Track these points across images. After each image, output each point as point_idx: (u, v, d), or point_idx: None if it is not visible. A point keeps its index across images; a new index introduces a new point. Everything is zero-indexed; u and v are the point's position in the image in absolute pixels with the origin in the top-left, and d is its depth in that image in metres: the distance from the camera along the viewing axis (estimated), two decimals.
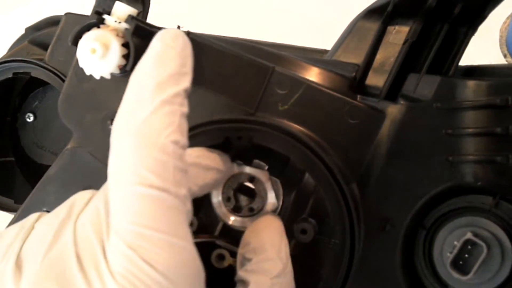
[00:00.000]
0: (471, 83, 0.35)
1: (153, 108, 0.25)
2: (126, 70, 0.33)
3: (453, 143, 0.35)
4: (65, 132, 0.43)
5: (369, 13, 0.40)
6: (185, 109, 0.27)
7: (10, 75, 0.53)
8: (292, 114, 0.36)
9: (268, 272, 0.31)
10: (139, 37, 0.33)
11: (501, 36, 0.78)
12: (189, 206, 0.26)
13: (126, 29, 0.33)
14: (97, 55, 0.32)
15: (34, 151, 0.57)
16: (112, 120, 0.39)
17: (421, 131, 0.36)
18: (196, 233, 0.37)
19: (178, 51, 0.28)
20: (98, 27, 0.33)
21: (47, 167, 0.42)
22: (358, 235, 0.34)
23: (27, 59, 0.51)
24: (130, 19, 0.33)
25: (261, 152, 0.36)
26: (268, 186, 0.36)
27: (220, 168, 0.34)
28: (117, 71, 0.33)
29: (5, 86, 0.54)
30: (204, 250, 0.36)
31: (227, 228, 0.37)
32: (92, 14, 0.33)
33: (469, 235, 0.33)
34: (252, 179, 0.37)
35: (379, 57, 0.39)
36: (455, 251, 0.33)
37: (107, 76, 0.33)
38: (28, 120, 0.57)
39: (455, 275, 0.33)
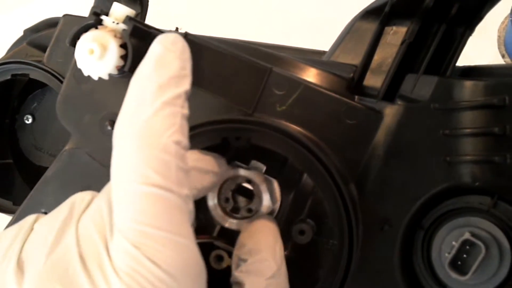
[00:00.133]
0: (468, 83, 0.35)
1: (154, 109, 0.26)
2: (124, 71, 0.33)
3: (451, 144, 0.35)
4: (63, 134, 0.43)
5: (367, 14, 0.40)
6: (186, 111, 0.28)
7: (9, 77, 0.53)
8: (290, 115, 0.36)
9: (263, 273, 0.31)
10: (137, 38, 0.33)
11: (499, 36, 0.79)
12: (191, 206, 0.27)
13: (124, 30, 0.33)
14: (95, 55, 0.32)
15: (32, 153, 0.57)
16: (110, 121, 0.39)
17: (419, 132, 0.36)
18: (194, 234, 0.37)
19: (178, 55, 0.28)
20: (96, 28, 0.33)
21: (45, 169, 0.42)
22: (356, 235, 0.34)
23: (26, 61, 0.51)
24: (128, 20, 0.33)
25: (259, 152, 0.36)
26: (265, 187, 0.36)
27: (217, 171, 0.34)
28: (115, 72, 0.33)
29: (3, 88, 0.54)
30: (202, 251, 0.36)
31: (225, 229, 0.37)
32: (90, 15, 0.33)
33: (467, 236, 0.33)
34: (250, 180, 0.37)
35: (376, 57, 0.40)
36: (453, 251, 0.33)
37: (105, 77, 0.33)
38: (26, 122, 0.57)
39: (453, 275, 0.33)
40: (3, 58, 0.56)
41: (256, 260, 0.31)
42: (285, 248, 0.35)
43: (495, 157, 0.34)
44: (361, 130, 0.36)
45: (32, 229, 0.27)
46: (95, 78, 0.33)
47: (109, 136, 0.38)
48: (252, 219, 0.36)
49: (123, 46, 0.33)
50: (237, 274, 0.32)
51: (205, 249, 0.36)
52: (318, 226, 0.37)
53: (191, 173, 0.32)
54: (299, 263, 0.36)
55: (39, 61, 0.51)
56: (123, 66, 0.33)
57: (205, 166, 0.33)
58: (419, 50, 0.38)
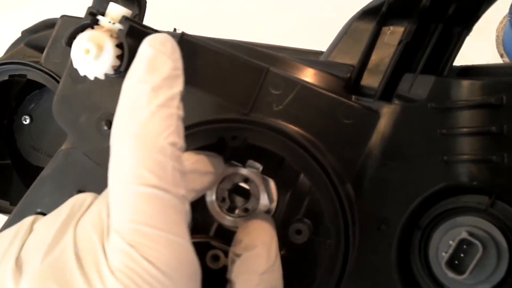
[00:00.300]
0: (465, 83, 0.35)
1: (150, 112, 0.26)
2: (120, 71, 0.33)
3: (448, 143, 0.35)
4: (61, 135, 0.43)
5: (364, 14, 0.40)
6: (181, 112, 0.28)
7: (6, 78, 0.53)
8: (287, 115, 0.36)
9: (256, 268, 0.31)
10: (133, 38, 0.33)
11: (497, 36, 0.78)
12: (187, 206, 0.27)
13: (120, 29, 0.33)
14: (91, 55, 0.32)
15: (30, 153, 0.57)
16: (107, 120, 0.39)
17: (416, 131, 0.35)
18: (191, 233, 0.37)
19: (168, 55, 0.28)
20: (92, 28, 0.33)
21: (43, 169, 0.42)
22: (352, 235, 0.34)
23: (23, 61, 0.51)
24: (124, 19, 0.33)
25: (255, 152, 0.36)
26: (262, 187, 0.36)
27: (216, 171, 0.34)
28: (111, 72, 0.33)
29: (1, 88, 0.54)
30: (199, 250, 0.36)
31: (222, 229, 0.37)
32: (86, 15, 0.33)
33: (464, 235, 0.33)
34: (246, 179, 0.37)
35: (374, 57, 0.40)
36: (450, 250, 0.33)
37: (101, 76, 0.33)
38: (24, 122, 0.57)
39: (451, 275, 0.33)
40: (1, 59, 0.56)
41: (250, 255, 0.31)
42: (282, 248, 0.35)
43: (492, 156, 0.34)
44: (358, 129, 0.36)
45: (32, 229, 0.27)
46: (91, 78, 0.33)
47: (105, 136, 0.38)
48: (250, 217, 0.36)
49: (119, 46, 0.33)
50: (231, 269, 0.32)
51: (202, 249, 0.36)
52: (315, 225, 0.36)
53: (190, 175, 0.32)
54: (296, 262, 0.36)
55: (37, 62, 0.51)
56: (119, 66, 0.33)
57: (204, 168, 0.33)
58: (416, 50, 0.38)
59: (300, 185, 0.37)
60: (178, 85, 0.28)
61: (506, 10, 0.75)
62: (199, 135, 0.35)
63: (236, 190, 0.37)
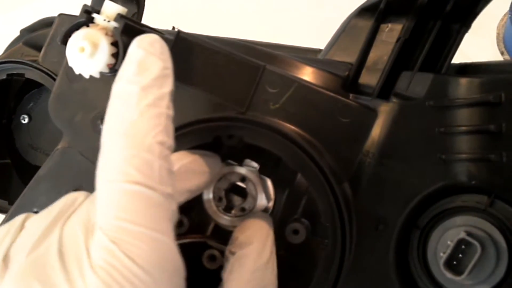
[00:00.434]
0: (463, 81, 0.34)
1: (139, 111, 0.26)
2: (115, 69, 0.33)
3: (446, 142, 0.34)
4: (60, 134, 0.43)
5: (362, 12, 0.40)
6: (171, 111, 0.28)
7: (4, 77, 0.53)
8: (284, 113, 0.36)
9: (249, 266, 0.31)
10: (128, 36, 0.33)
11: (498, 34, 0.78)
12: (174, 205, 0.27)
13: (115, 27, 0.33)
14: (86, 53, 0.32)
15: (29, 152, 0.57)
16: (102, 119, 0.38)
17: (414, 130, 0.35)
18: (187, 233, 0.36)
19: (158, 55, 0.28)
20: (88, 26, 0.33)
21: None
22: (349, 235, 0.33)
23: (21, 60, 0.51)
24: (119, 17, 0.33)
25: (252, 151, 0.36)
26: (259, 186, 0.36)
27: (212, 170, 0.34)
28: (106, 70, 0.33)
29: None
30: (195, 250, 0.36)
31: (219, 229, 0.37)
32: (81, 13, 0.33)
33: (462, 235, 0.33)
34: (243, 178, 0.36)
35: (372, 55, 0.39)
36: (449, 251, 0.33)
37: (96, 75, 0.33)
38: (23, 121, 0.57)
39: (449, 275, 0.33)
40: None
41: (244, 253, 0.31)
42: (279, 248, 0.35)
43: (491, 155, 0.33)
44: (356, 128, 0.36)
45: (23, 227, 0.27)
46: (86, 76, 0.33)
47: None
48: (247, 215, 0.36)
49: (114, 44, 0.33)
50: (225, 267, 0.32)
51: (198, 249, 0.36)
52: (312, 225, 0.36)
53: (186, 174, 0.32)
54: (293, 262, 0.36)
55: (35, 61, 0.51)
56: (115, 64, 0.33)
57: (200, 167, 0.33)
58: (414, 47, 0.38)
59: (298, 185, 0.37)
60: (168, 85, 0.28)
61: (507, 8, 0.74)
62: (195, 133, 0.35)
63: (233, 189, 0.37)
